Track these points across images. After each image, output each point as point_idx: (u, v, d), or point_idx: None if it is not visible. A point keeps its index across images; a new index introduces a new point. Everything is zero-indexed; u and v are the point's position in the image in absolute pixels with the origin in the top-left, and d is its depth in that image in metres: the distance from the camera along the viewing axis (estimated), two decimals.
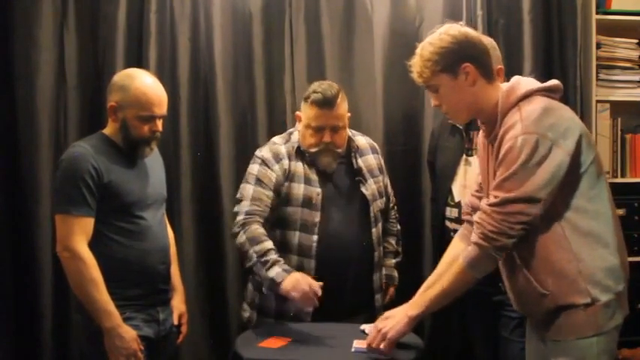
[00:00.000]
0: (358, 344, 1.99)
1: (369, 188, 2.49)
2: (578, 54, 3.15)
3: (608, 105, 3.20)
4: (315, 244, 2.38)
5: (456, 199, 2.48)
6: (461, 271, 1.81)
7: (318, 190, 2.42)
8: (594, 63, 3.15)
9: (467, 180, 2.46)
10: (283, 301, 2.31)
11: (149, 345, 2.17)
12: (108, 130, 2.23)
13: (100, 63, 2.93)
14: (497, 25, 3.15)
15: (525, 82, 1.83)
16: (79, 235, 2.07)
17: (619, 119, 3.23)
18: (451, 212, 2.50)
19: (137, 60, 2.89)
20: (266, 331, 2.16)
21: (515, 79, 1.86)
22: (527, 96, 1.78)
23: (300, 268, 2.36)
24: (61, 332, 2.88)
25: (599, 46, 3.19)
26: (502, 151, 1.73)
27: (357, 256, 2.44)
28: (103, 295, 2.07)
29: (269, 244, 2.29)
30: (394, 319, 1.91)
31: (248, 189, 2.41)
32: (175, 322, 2.33)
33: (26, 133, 2.88)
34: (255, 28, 3.06)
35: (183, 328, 2.40)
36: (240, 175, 3.02)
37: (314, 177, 2.44)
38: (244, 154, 3.04)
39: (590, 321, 1.74)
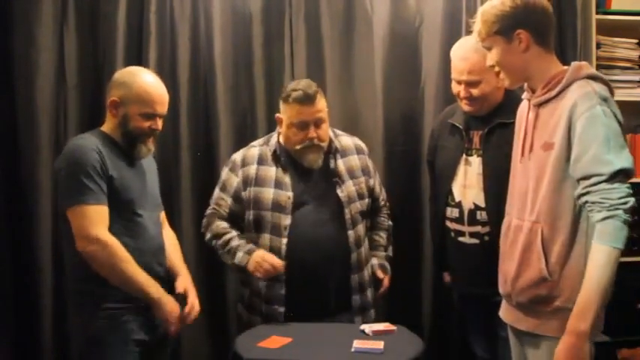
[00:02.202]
0: (358, 344, 1.99)
1: (345, 190, 2.49)
2: (578, 54, 3.15)
3: None
4: (284, 247, 2.41)
5: (457, 199, 2.48)
6: (608, 252, 1.67)
7: (289, 193, 2.44)
8: (594, 63, 3.15)
9: (467, 180, 2.46)
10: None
11: (144, 349, 2.16)
12: (106, 127, 2.23)
13: (100, 63, 2.93)
14: None
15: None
16: (100, 223, 2.05)
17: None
18: (452, 212, 2.50)
19: (137, 60, 2.89)
20: (266, 331, 2.16)
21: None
22: (595, 79, 1.82)
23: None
24: (61, 332, 2.87)
25: (599, 46, 3.19)
26: (579, 124, 1.73)
27: (331, 258, 2.44)
28: (139, 271, 2.08)
29: (230, 234, 2.47)
30: (566, 354, 1.69)
31: (215, 192, 2.59)
32: (180, 290, 2.25)
33: (26, 133, 2.88)
34: (255, 29, 3.06)
35: (190, 300, 2.26)
36: None
37: (286, 180, 2.46)
38: None
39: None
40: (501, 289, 1.99)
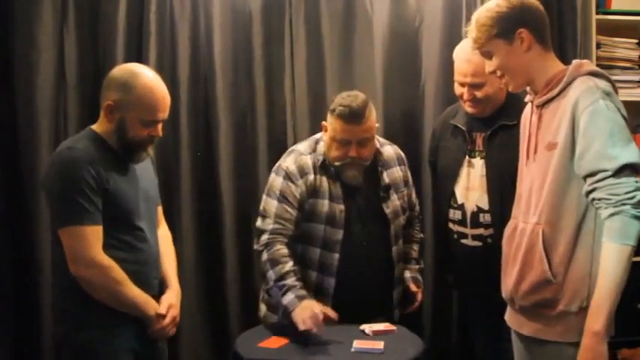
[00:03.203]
0: (358, 344, 1.99)
1: (391, 205, 2.45)
2: (578, 54, 3.15)
3: None
4: (336, 263, 2.35)
5: (459, 202, 2.47)
6: (619, 250, 1.63)
7: (342, 207, 2.37)
8: (594, 63, 3.15)
9: (470, 182, 2.44)
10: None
11: (135, 358, 2.08)
12: (99, 128, 2.06)
13: (100, 63, 2.93)
14: None
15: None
16: (96, 245, 1.93)
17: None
18: (454, 214, 2.49)
19: (137, 60, 2.87)
20: (266, 331, 2.16)
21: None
22: (597, 75, 1.81)
23: (319, 285, 2.36)
24: (55, 336, 2.87)
25: (599, 46, 3.19)
26: (583, 120, 1.71)
27: (377, 274, 2.41)
28: (135, 291, 2.00)
29: (288, 266, 2.27)
30: (586, 356, 1.65)
31: (272, 205, 2.36)
32: (162, 311, 2.08)
33: (26, 133, 2.87)
34: (255, 28, 3.05)
35: (169, 315, 2.11)
36: (239, 175, 3.04)
37: (338, 192, 2.39)
38: (244, 154, 3.04)
39: (579, 327, 1.69)
40: (504, 294, 1.95)
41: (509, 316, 1.97)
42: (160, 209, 2.33)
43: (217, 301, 3.05)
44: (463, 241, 2.46)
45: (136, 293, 2.02)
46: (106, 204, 1.97)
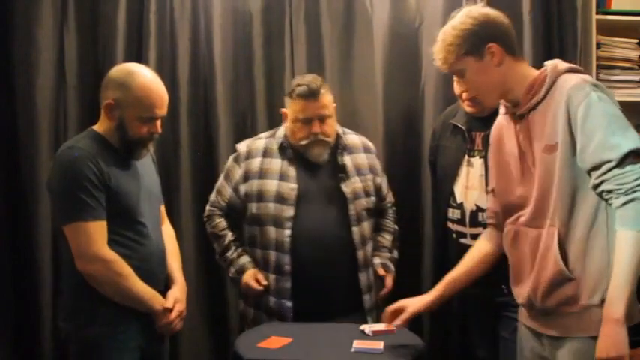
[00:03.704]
0: (358, 344, 1.99)
1: (351, 186, 2.48)
2: (578, 54, 3.15)
3: None
4: (287, 239, 2.40)
5: (458, 201, 2.47)
6: (634, 236, 1.62)
7: (293, 185, 2.43)
8: (594, 63, 3.16)
9: (469, 181, 2.44)
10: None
11: (141, 355, 2.11)
12: (100, 128, 2.11)
13: (100, 63, 2.93)
14: None
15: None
16: (100, 240, 1.98)
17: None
18: (453, 214, 2.49)
19: (137, 60, 2.87)
20: (266, 331, 2.16)
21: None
22: (575, 71, 1.80)
23: (277, 263, 2.42)
24: (60, 333, 2.87)
25: (599, 46, 3.19)
26: (579, 115, 1.69)
27: (337, 255, 2.43)
28: (140, 285, 2.04)
29: (227, 238, 2.52)
30: (605, 342, 1.63)
31: (219, 180, 2.60)
32: (169, 305, 2.13)
33: (26, 133, 2.88)
34: (255, 29, 3.06)
35: (176, 309, 2.16)
36: None
37: (292, 173, 2.45)
38: None
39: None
40: (520, 300, 1.90)
41: (530, 322, 1.92)
42: (162, 208, 2.37)
43: (217, 301, 3.05)
44: (462, 240, 2.46)
45: (141, 287, 2.05)
46: (108, 201, 2.01)
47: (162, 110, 2.10)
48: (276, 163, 2.47)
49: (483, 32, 1.80)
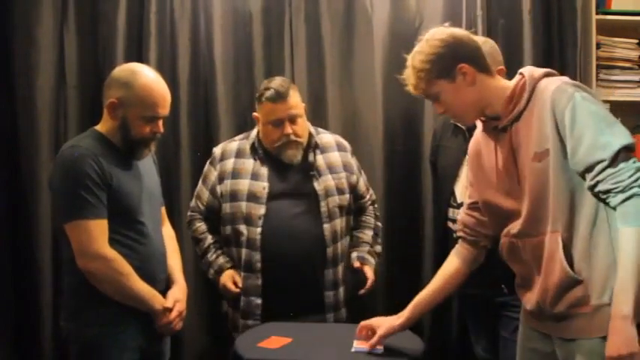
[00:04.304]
0: (358, 344, 1.99)
1: (322, 184, 2.49)
2: (578, 54, 3.15)
3: (608, 105, 3.18)
4: (259, 237, 2.42)
5: (459, 201, 2.47)
6: (637, 232, 1.61)
7: (265, 184, 2.46)
8: (594, 63, 3.15)
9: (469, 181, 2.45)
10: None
11: (141, 355, 2.11)
12: (103, 128, 2.11)
13: (100, 63, 2.93)
14: (497, 25, 3.15)
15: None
16: (100, 238, 1.98)
17: (619, 119, 3.20)
18: (454, 213, 2.49)
19: (137, 60, 2.87)
20: (266, 331, 2.16)
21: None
22: (551, 75, 1.79)
23: (248, 261, 2.44)
24: (61, 333, 2.87)
25: (599, 46, 3.19)
26: (567, 118, 1.68)
27: (307, 251, 2.43)
28: (141, 284, 2.04)
29: (207, 242, 2.56)
30: (615, 339, 1.62)
31: (198, 185, 2.64)
32: (169, 304, 2.13)
33: (26, 133, 2.88)
34: (255, 29, 3.06)
35: (175, 309, 2.16)
36: None
37: (263, 172, 2.48)
38: None
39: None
40: (529, 306, 1.87)
41: (540, 326, 1.89)
42: (163, 209, 2.37)
43: (217, 301, 3.05)
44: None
45: (141, 287, 2.05)
46: (110, 200, 2.02)
47: (165, 110, 2.11)
48: (249, 164, 2.51)
49: (452, 54, 1.78)
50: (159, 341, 2.21)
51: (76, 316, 2.07)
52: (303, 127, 2.51)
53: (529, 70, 1.81)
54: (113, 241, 2.02)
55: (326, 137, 2.63)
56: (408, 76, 1.84)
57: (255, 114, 2.54)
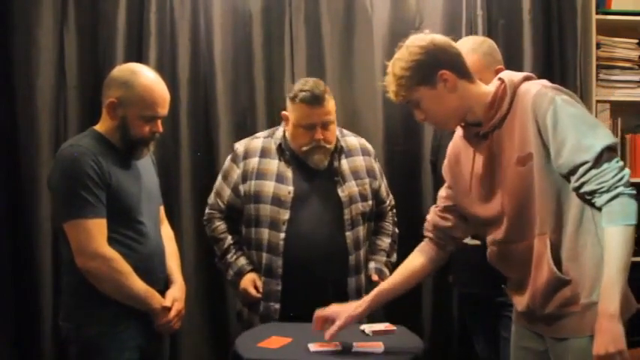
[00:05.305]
0: (358, 345, 1.99)
1: (346, 190, 2.46)
2: (578, 54, 3.16)
3: (608, 105, 3.20)
4: (282, 242, 2.39)
5: None
6: (622, 231, 1.62)
7: (290, 188, 2.42)
8: (594, 63, 3.16)
9: None
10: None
11: (141, 354, 2.11)
12: (102, 128, 2.12)
13: (100, 63, 2.93)
14: (497, 25, 3.16)
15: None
16: (99, 237, 1.98)
17: (619, 119, 3.23)
18: None
19: (137, 60, 2.87)
20: (266, 331, 2.16)
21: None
22: (530, 79, 1.80)
23: (269, 266, 2.41)
24: (60, 333, 2.87)
25: (599, 46, 3.19)
26: (549, 122, 1.68)
27: (329, 258, 2.40)
28: (139, 284, 2.04)
29: (227, 242, 2.50)
30: (603, 338, 1.62)
31: (217, 181, 2.57)
32: (167, 304, 2.13)
33: (26, 133, 2.88)
34: (255, 29, 3.06)
35: (174, 308, 2.16)
36: None
37: (288, 175, 2.44)
38: None
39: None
40: (520, 308, 1.88)
41: (532, 326, 1.90)
42: (162, 209, 2.37)
43: (217, 301, 3.05)
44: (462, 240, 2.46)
45: (140, 286, 2.05)
46: (109, 199, 2.02)
47: (165, 109, 2.11)
48: (274, 164, 2.46)
49: (433, 60, 1.77)
50: (158, 341, 2.22)
51: (76, 316, 2.08)
52: (334, 133, 2.46)
53: (508, 75, 1.81)
54: (112, 241, 2.03)
55: (351, 140, 2.58)
56: (389, 84, 1.83)
57: (284, 112, 2.48)
